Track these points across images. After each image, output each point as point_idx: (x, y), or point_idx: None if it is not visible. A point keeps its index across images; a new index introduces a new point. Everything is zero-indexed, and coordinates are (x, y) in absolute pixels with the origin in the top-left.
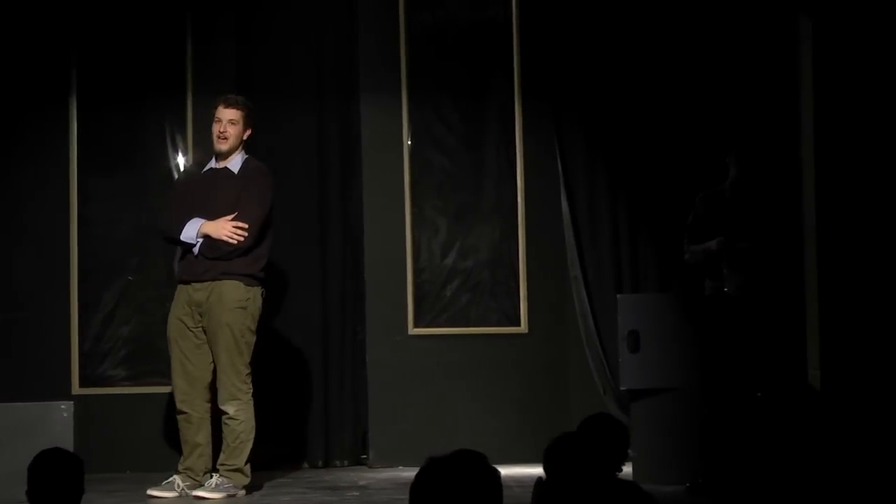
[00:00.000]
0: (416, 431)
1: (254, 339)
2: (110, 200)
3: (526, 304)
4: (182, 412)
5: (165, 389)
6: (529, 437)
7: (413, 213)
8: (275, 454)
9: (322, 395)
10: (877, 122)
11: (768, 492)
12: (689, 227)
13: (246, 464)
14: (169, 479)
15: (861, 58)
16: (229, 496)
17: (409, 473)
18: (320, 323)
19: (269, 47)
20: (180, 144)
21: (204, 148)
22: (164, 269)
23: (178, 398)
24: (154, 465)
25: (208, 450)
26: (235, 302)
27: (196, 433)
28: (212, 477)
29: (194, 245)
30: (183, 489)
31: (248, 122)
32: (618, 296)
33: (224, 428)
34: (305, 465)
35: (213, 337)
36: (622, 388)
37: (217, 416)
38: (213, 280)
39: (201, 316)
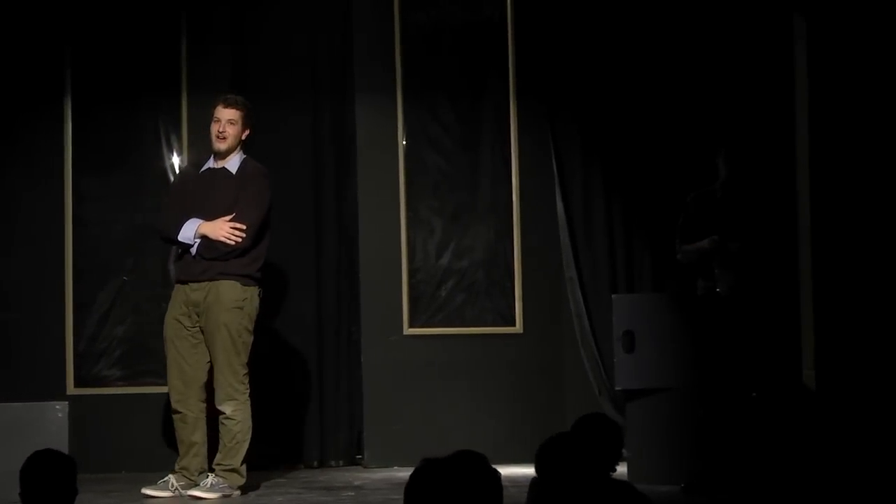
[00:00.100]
0: (411, 431)
1: (251, 339)
2: (105, 200)
3: (521, 304)
4: (177, 412)
5: (160, 389)
6: (525, 437)
7: (408, 214)
8: (270, 454)
9: (317, 395)
10: (872, 121)
11: (764, 492)
12: (680, 227)
13: (242, 464)
14: (164, 479)
15: (856, 57)
16: (224, 496)
17: (405, 473)
18: (315, 323)
19: (264, 47)
20: (175, 144)
21: (199, 148)
22: (159, 269)
23: (173, 398)
24: (149, 465)
25: (204, 449)
26: (233, 302)
27: (192, 433)
28: (207, 476)
29: (192, 245)
30: (177, 488)
31: (246, 122)
32: (613, 296)
33: (221, 428)
34: (301, 465)
35: (210, 337)
36: (617, 389)
37: (213, 415)
38: (211, 280)
39: (199, 316)
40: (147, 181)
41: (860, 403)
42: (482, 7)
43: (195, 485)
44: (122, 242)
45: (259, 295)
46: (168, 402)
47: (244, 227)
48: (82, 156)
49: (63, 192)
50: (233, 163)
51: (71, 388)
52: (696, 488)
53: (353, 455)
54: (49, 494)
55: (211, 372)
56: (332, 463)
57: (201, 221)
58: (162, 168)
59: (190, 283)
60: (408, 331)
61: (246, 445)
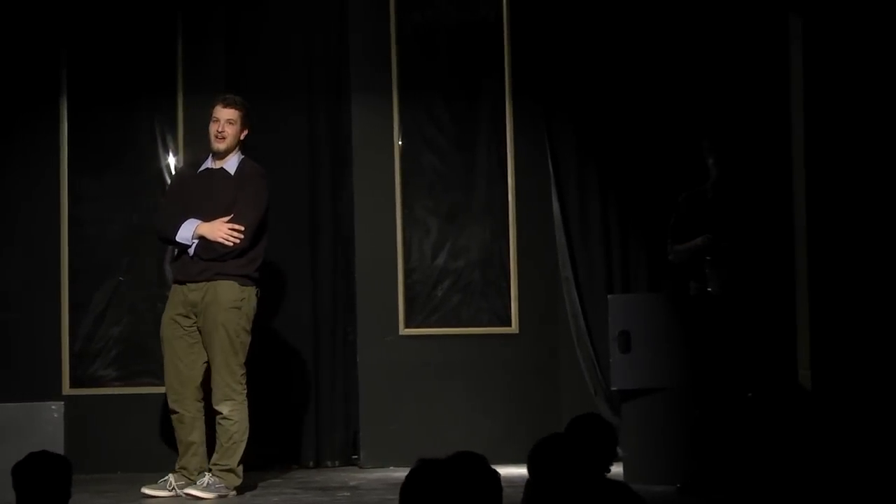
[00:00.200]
0: (407, 432)
1: (249, 339)
2: (101, 200)
3: (517, 304)
4: (175, 412)
5: (156, 390)
6: (520, 438)
7: (404, 214)
8: (266, 454)
9: (313, 395)
10: (867, 121)
11: (760, 492)
12: (672, 228)
13: (239, 465)
14: (164, 478)
15: (851, 57)
16: (220, 496)
17: (401, 474)
18: (311, 323)
19: (260, 47)
20: (171, 144)
21: (195, 148)
22: (156, 269)
23: (170, 398)
24: (145, 466)
25: (203, 449)
26: (230, 302)
27: (189, 432)
28: (204, 475)
29: (190, 246)
30: (175, 488)
31: (245, 122)
32: (608, 296)
33: (218, 428)
34: (297, 465)
35: (207, 337)
36: (613, 389)
37: (212, 415)
38: (209, 280)
39: (196, 316)
40: (143, 181)
41: (856, 403)
42: (478, 7)
43: (194, 483)
44: (118, 242)
45: (257, 295)
46: (164, 402)
47: (242, 229)
48: (78, 156)
49: (59, 193)
50: (231, 163)
51: (67, 389)
52: (691, 488)
53: (349, 455)
54: (43, 497)
55: (208, 372)
56: (328, 463)
57: (199, 222)
58: (158, 168)
59: (188, 284)
60: (404, 331)
61: (243, 446)
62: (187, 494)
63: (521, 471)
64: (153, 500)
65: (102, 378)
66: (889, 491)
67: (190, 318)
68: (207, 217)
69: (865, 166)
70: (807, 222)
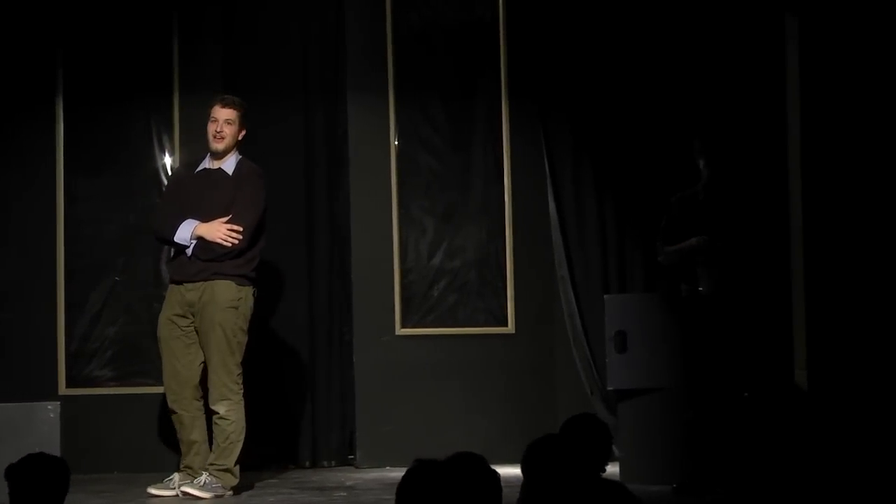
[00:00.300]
0: (403, 432)
1: (246, 339)
2: (97, 200)
3: (513, 304)
4: (174, 412)
5: (152, 390)
6: (517, 438)
7: (400, 213)
8: (262, 454)
9: (309, 395)
10: (864, 120)
11: (756, 492)
12: (663, 229)
13: (235, 465)
14: (169, 477)
15: (848, 57)
16: (217, 496)
17: (397, 474)
18: (307, 323)
19: (256, 47)
20: (167, 144)
21: (191, 148)
22: (152, 269)
23: (169, 398)
24: (141, 466)
25: (205, 447)
26: (228, 302)
27: (190, 432)
28: (202, 474)
29: (188, 246)
30: (177, 486)
31: (243, 122)
32: (605, 296)
33: (214, 428)
34: (293, 465)
35: (204, 337)
36: (609, 389)
37: (209, 414)
38: (206, 280)
39: (193, 316)
40: (139, 181)
41: (852, 404)
42: (474, 7)
43: (192, 481)
44: (114, 242)
45: (253, 295)
46: (161, 402)
47: (241, 229)
48: (74, 156)
49: (55, 193)
50: (229, 163)
51: (63, 389)
52: (687, 488)
53: (345, 455)
54: (37, 500)
55: (206, 371)
56: (325, 463)
57: (198, 223)
58: (154, 168)
59: (185, 284)
60: (400, 331)
61: (240, 445)
62: (183, 492)
63: (517, 471)
64: (158, 499)
65: (98, 378)
66: (886, 491)
67: (187, 317)
68: (205, 217)
69: (862, 166)
70: (803, 222)
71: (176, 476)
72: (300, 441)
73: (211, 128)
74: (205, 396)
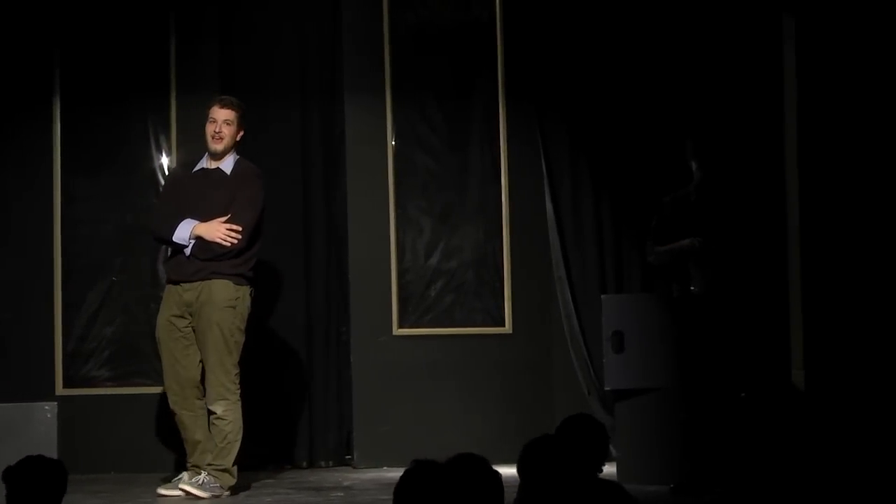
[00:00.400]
0: (400, 432)
1: (243, 339)
2: (94, 201)
3: (510, 304)
4: (175, 414)
5: (149, 390)
6: (513, 438)
7: (397, 214)
8: (259, 454)
9: (306, 395)
10: (861, 121)
11: (754, 492)
12: (653, 230)
13: (233, 465)
14: (178, 476)
15: (845, 57)
16: (214, 496)
17: (394, 474)
18: (305, 323)
19: (253, 47)
20: (164, 144)
21: (188, 148)
22: (149, 269)
23: (171, 399)
24: (138, 466)
25: (210, 444)
26: (225, 301)
27: (194, 431)
28: (200, 473)
29: (186, 246)
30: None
31: (241, 122)
32: (602, 296)
33: (212, 428)
34: (290, 465)
35: (202, 336)
36: (606, 389)
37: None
38: (203, 280)
39: (191, 316)
40: (136, 181)
41: (850, 404)
42: (471, 7)
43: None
44: (112, 242)
45: (251, 294)
46: (158, 403)
47: (240, 229)
48: (72, 156)
49: (52, 193)
50: (227, 163)
51: (60, 389)
52: (685, 489)
53: (342, 455)
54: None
55: (203, 370)
56: (322, 463)
57: (196, 222)
58: (151, 168)
59: (182, 284)
60: (397, 331)
61: (237, 445)
62: (181, 489)
63: (513, 471)
64: (167, 499)
65: (96, 378)
66: (884, 491)
67: (185, 318)
68: (204, 217)
69: (859, 166)
70: (800, 222)
71: (185, 475)
72: (297, 441)
73: (209, 128)
74: (205, 394)
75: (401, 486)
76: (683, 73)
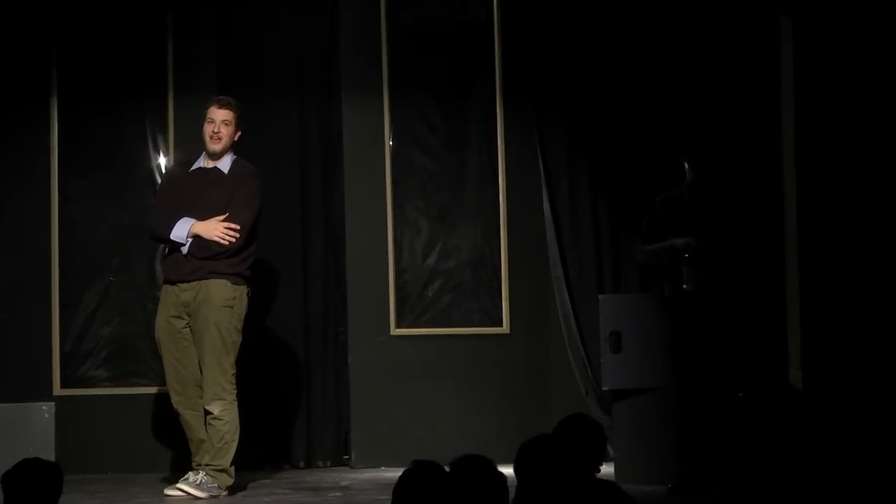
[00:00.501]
0: (398, 432)
1: (240, 338)
2: (92, 201)
3: (508, 304)
4: (179, 414)
5: (147, 390)
6: (511, 438)
7: (395, 214)
8: (257, 454)
9: (304, 395)
10: (858, 121)
11: (751, 493)
12: (645, 229)
13: (231, 465)
14: (185, 477)
15: (842, 58)
16: (212, 496)
17: (392, 474)
18: (302, 323)
19: (251, 47)
20: (162, 144)
21: (185, 148)
22: (146, 269)
23: (173, 399)
24: (136, 466)
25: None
26: (223, 301)
27: (198, 430)
28: (198, 473)
29: (184, 244)
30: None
31: (239, 123)
32: (599, 296)
33: (209, 428)
34: (287, 465)
35: (199, 336)
36: (604, 389)
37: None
38: (201, 280)
39: (189, 316)
40: (133, 181)
41: (847, 404)
42: (468, 7)
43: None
44: (109, 243)
45: (248, 294)
46: (155, 403)
47: (238, 228)
48: (69, 156)
49: (49, 193)
50: (224, 163)
51: (57, 389)
52: (682, 489)
53: (340, 455)
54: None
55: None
56: (319, 463)
57: (194, 221)
58: (148, 168)
59: (179, 284)
60: (395, 331)
61: (234, 445)
62: (178, 488)
63: (511, 471)
64: (173, 499)
65: (93, 378)
66: (882, 491)
67: (183, 318)
68: (201, 216)
69: (856, 166)
70: (797, 222)
71: (191, 474)
72: (295, 441)
73: (208, 129)
74: None
75: (400, 487)
76: (681, 74)
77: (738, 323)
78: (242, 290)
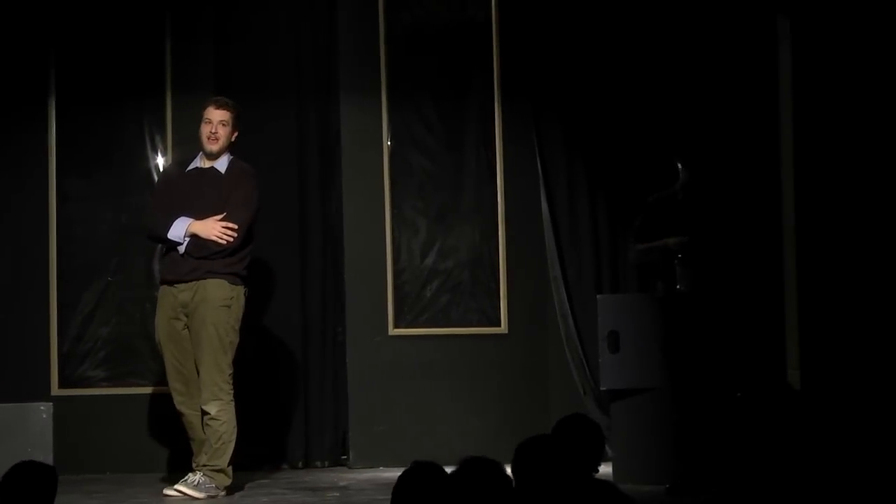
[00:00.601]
0: (396, 432)
1: (237, 338)
2: (89, 201)
3: (506, 304)
4: (182, 413)
5: (145, 390)
6: (509, 438)
7: (393, 214)
8: (255, 454)
9: (302, 395)
10: (856, 121)
11: (749, 493)
12: (637, 228)
13: (229, 465)
14: (185, 478)
15: (840, 58)
16: (210, 497)
17: (390, 474)
18: (300, 323)
19: (249, 47)
20: (160, 145)
21: (183, 148)
22: (144, 269)
23: (175, 399)
24: (134, 467)
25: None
26: (221, 301)
27: (200, 431)
28: (196, 473)
29: (181, 244)
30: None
31: (236, 123)
32: (598, 296)
33: (206, 428)
34: (285, 465)
35: (196, 336)
36: (602, 389)
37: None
38: (198, 280)
39: (187, 317)
40: (131, 181)
41: (846, 403)
42: (467, 7)
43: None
44: (107, 243)
45: (245, 294)
46: (153, 403)
47: (236, 227)
48: (67, 156)
49: (47, 193)
50: (221, 163)
51: (55, 389)
52: (680, 489)
53: (338, 455)
54: None
55: None
56: (317, 463)
57: (191, 220)
58: (146, 168)
59: (177, 285)
60: (393, 331)
61: (232, 446)
62: (176, 489)
63: (510, 471)
64: (171, 498)
65: (91, 379)
66: (880, 491)
67: (181, 319)
68: (198, 215)
69: (855, 166)
70: (795, 222)
71: (190, 475)
72: (293, 441)
73: (205, 129)
74: None
75: (399, 488)
76: (679, 74)
77: (733, 323)
78: (240, 290)
